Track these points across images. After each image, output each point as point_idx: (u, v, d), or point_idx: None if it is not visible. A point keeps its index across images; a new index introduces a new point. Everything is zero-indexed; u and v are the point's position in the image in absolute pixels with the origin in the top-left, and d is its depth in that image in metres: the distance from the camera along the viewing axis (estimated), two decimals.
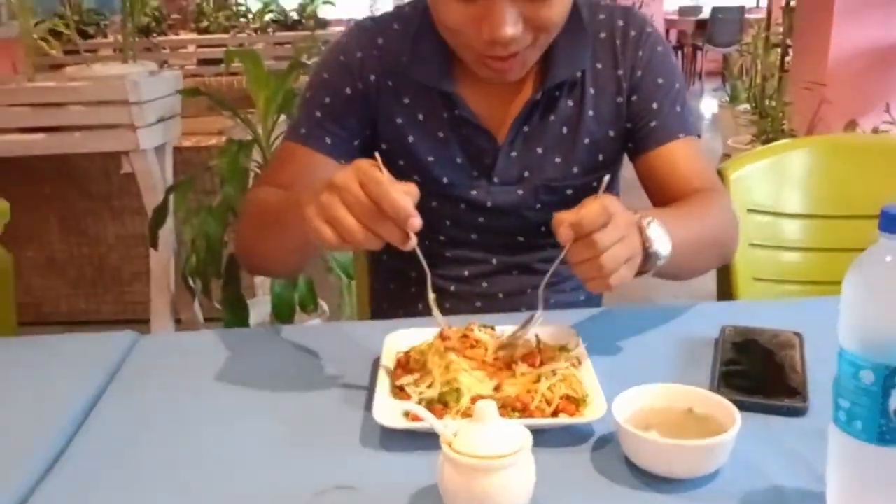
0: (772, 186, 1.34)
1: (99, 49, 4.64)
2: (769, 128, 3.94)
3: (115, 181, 2.97)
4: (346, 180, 0.77)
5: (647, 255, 0.86)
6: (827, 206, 1.35)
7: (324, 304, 2.64)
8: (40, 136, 2.39)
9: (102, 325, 3.11)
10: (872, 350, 0.61)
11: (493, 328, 0.92)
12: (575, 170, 1.14)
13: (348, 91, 1.13)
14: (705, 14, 9.95)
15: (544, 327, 0.92)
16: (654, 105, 1.12)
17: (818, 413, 0.79)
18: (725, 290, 1.29)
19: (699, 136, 1.15)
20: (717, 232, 1.07)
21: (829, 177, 1.36)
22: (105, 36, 4.86)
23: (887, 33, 3.96)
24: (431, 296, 0.88)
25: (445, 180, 1.14)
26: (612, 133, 1.14)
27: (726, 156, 5.12)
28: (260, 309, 2.63)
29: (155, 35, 4.82)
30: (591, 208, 0.78)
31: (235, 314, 2.14)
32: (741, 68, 5.60)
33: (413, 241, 0.77)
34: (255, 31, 5.14)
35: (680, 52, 10.21)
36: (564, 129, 1.13)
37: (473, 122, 1.12)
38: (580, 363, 0.85)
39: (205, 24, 5.16)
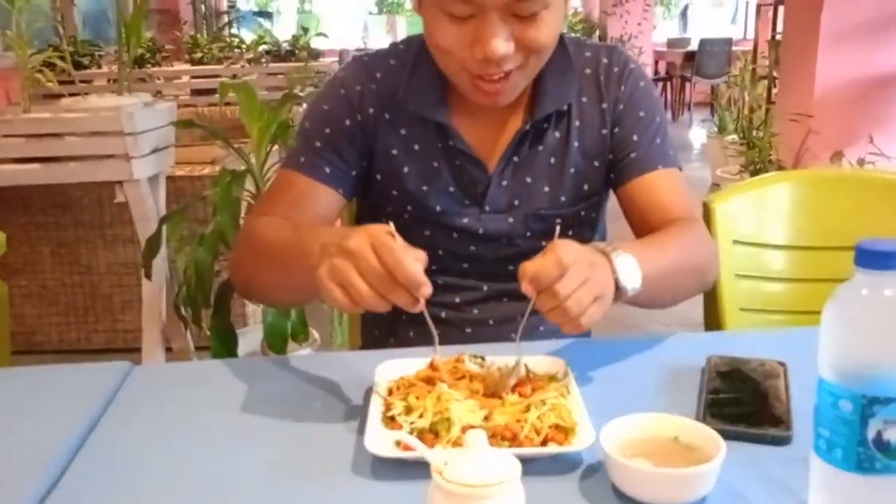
0: (757, 218, 1.36)
1: (94, 80, 4.68)
2: (757, 158, 4.00)
3: (108, 210, 2.99)
4: (360, 247, 0.79)
5: (618, 287, 0.89)
6: (810, 238, 1.37)
7: (315, 333, 2.65)
8: (35, 166, 2.40)
9: (93, 353, 3.11)
10: (850, 380, 0.63)
11: (483, 358, 0.93)
12: (563, 199, 1.18)
13: (348, 123, 1.16)
14: (693, 46, 10.08)
15: (533, 357, 0.94)
16: (635, 137, 1.16)
17: (802, 441, 0.80)
18: (712, 320, 1.31)
19: (679, 168, 1.19)
20: (692, 260, 1.08)
21: (813, 209, 1.38)
22: (99, 66, 4.90)
23: (871, 65, 4.03)
24: (438, 352, 0.90)
25: (438, 209, 1.18)
26: (596, 164, 1.18)
27: (715, 185, 5.17)
28: (250, 338, 2.63)
29: (149, 65, 4.87)
30: (545, 262, 0.81)
31: (223, 344, 2.14)
32: (729, 100, 5.68)
33: (422, 305, 0.80)
34: (249, 61, 5.19)
35: (669, 84, 10.33)
36: (552, 160, 1.17)
37: (466, 152, 1.16)
38: (569, 392, 0.87)
39: (199, 55, 5.21)
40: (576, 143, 1.17)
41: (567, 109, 1.16)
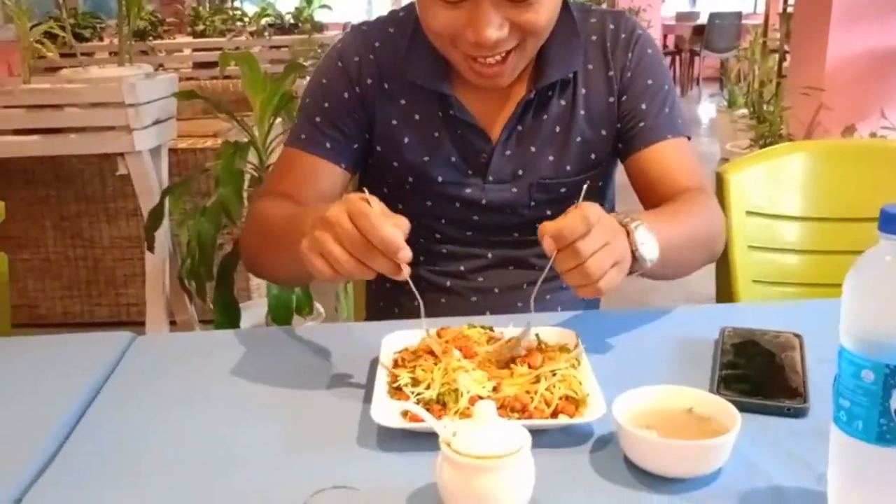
0: (770, 190, 1.34)
1: (95, 52, 4.64)
2: (767, 132, 3.95)
3: (110, 183, 2.97)
4: (336, 215, 0.78)
5: (635, 259, 0.88)
6: (824, 209, 1.35)
7: (320, 307, 2.64)
8: (36, 137, 2.38)
9: (97, 327, 3.10)
10: (873, 349, 0.61)
11: (491, 329, 0.91)
12: (568, 168, 1.16)
13: (346, 95, 1.14)
14: (703, 20, 9.98)
15: (543, 328, 0.92)
16: (643, 106, 1.14)
17: (818, 414, 0.79)
18: (724, 292, 1.29)
19: (689, 137, 1.16)
20: (703, 231, 1.08)
21: (827, 180, 1.36)
22: (101, 39, 4.87)
23: (884, 39, 3.98)
24: (424, 326, 0.88)
25: (440, 179, 1.15)
26: (603, 132, 1.16)
27: (724, 160, 5.12)
28: (255, 312, 2.62)
29: (151, 38, 4.83)
30: (571, 218, 0.79)
31: (227, 316, 2.13)
32: (739, 73, 5.62)
33: (405, 273, 0.79)
34: (252, 34, 5.14)
35: (677, 58, 10.23)
36: (557, 128, 1.15)
37: (468, 121, 1.13)
38: (579, 364, 0.85)
39: (201, 27, 5.17)
40: (582, 112, 1.14)
41: (572, 77, 1.14)
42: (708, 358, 0.92)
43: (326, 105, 1.15)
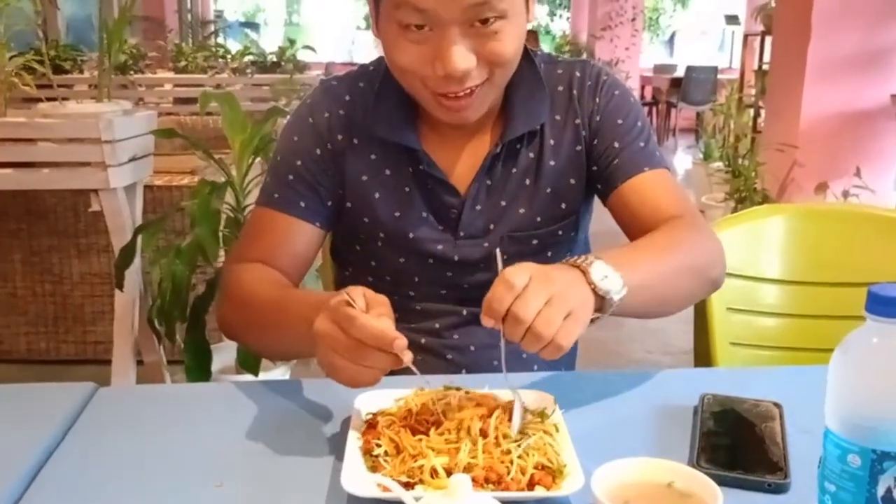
0: (749, 251, 1.34)
1: (74, 84, 4.61)
2: (742, 187, 4.00)
3: (83, 218, 2.92)
4: (325, 329, 0.79)
5: (601, 298, 0.84)
6: (804, 273, 1.35)
7: None
8: (9, 171, 2.34)
9: (63, 364, 3.03)
10: (860, 433, 0.59)
11: (466, 391, 0.89)
12: (538, 220, 1.15)
13: (318, 152, 1.13)
14: (680, 72, 10.19)
15: (520, 391, 0.89)
16: (616, 144, 1.13)
17: (799, 489, 0.77)
18: (703, 354, 1.28)
19: (668, 168, 1.15)
20: (689, 259, 1.02)
21: (807, 244, 1.36)
22: (81, 71, 4.84)
23: (859, 99, 4.06)
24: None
25: (412, 235, 1.14)
26: (573, 181, 1.15)
27: (700, 212, 5.17)
28: (225, 354, 2.57)
29: (132, 72, 4.81)
30: (494, 288, 0.78)
31: (197, 359, 2.09)
32: (714, 127, 5.71)
33: (408, 358, 0.78)
34: (234, 71, 5.14)
35: (654, 109, 10.41)
36: (526, 181, 1.14)
37: (438, 176, 1.12)
38: (557, 431, 0.83)
39: (183, 63, 5.16)
40: (551, 162, 1.14)
41: (540, 129, 1.13)
42: (687, 424, 0.90)
43: (299, 163, 1.13)
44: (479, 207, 1.14)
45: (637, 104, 1.19)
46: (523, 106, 1.11)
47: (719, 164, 5.06)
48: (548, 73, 1.15)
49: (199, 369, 2.11)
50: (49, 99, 2.49)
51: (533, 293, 0.77)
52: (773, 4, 4.86)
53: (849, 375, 0.60)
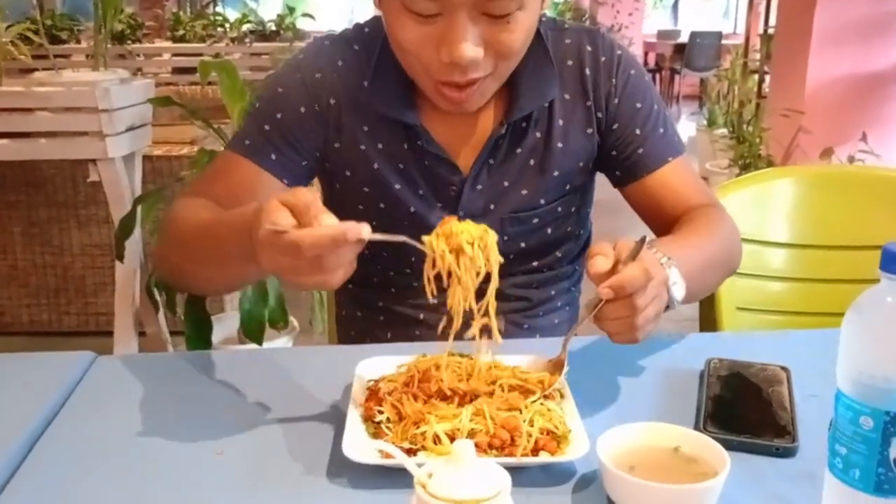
0: (756, 215, 1.32)
1: (72, 55, 4.57)
2: (746, 153, 3.96)
3: (82, 189, 2.90)
4: (276, 263, 0.72)
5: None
6: (811, 237, 1.33)
7: (294, 321, 2.58)
8: (6, 141, 2.31)
9: (65, 335, 3.03)
10: (872, 394, 0.58)
11: (470, 356, 0.88)
12: (542, 200, 1.11)
13: (303, 110, 1.07)
14: (684, 38, 10.08)
15: (524, 356, 0.89)
16: (637, 131, 1.09)
17: (807, 453, 0.77)
18: (708, 319, 1.26)
19: (684, 152, 1.13)
20: (723, 252, 1.05)
21: (814, 207, 1.34)
22: (78, 41, 4.79)
23: (865, 63, 4.00)
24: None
25: (412, 209, 1.09)
26: (581, 164, 1.11)
27: (703, 178, 5.14)
28: (227, 324, 2.56)
29: (130, 42, 4.76)
30: (635, 272, 0.78)
31: (198, 330, 2.07)
32: (718, 93, 5.65)
33: (367, 232, 0.72)
34: (232, 40, 5.09)
35: (658, 75, 10.32)
36: (531, 161, 1.09)
37: (438, 154, 1.07)
38: (562, 396, 0.82)
39: (181, 32, 5.10)
40: (559, 144, 1.08)
41: (548, 107, 1.08)
42: (693, 390, 0.89)
43: (279, 116, 1.06)
44: (479, 187, 1.09)
45: (650, 82, 1.14)
46: (530, 83, 1.05)
47: (723, 131, 5.01)
48: (555, 44, 1.08)
49: (199, 339, 2.09)
50: (45, 69, 2.46)
51: (652, 288, 0.80)
52: None
53: (862, 336, 0.58)
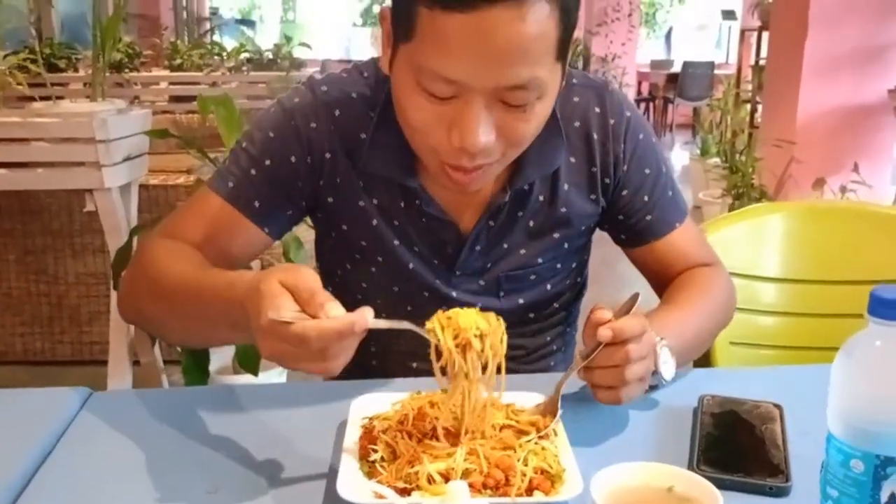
0: (749, 250, 1.33)
1: (69, 83, 4.59)
2: (739, 183, 4.00)
3: (77, 218, 2.90)
4: (280, 350, 0.71)
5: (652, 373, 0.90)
6: (804, 271, 1.34)
7: None
8: (3, 171, 2.32)
9: (59, 364, 3.01)
10: (863, 438, 0.58)
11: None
12: (540, 260, 1.10)
13: (293, 160, 1.02)
14: (677, 68, 10.17)
15: (519, 394, 0.89)
16: (646, 198, 1.08)
17: (801, 493, 0.76)
18: (701, 355, 1.26)
19: (688, 213, 1.15)
20: (715, 318, 1.09)
21: (806, 242, 1.36)
22: (76, 70, 4.82)
23: (855, 94, 4.06)
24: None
25: (410, 265, 1.07)
26: (583, 227, 1.11)
27: (697, 208, 5.17)
28: (222, 353, 2.55)
29: (127, 70, 4.79)
30: (633, 320, 0.82)
31: (194, 359, 2.07)
32: (711, 123, 5.70)
33: (370, 316, 0.72)
34: (229, 69, 5.12)
35: (651, 104, 10.40)
36: (532, 223, 1.07)
37: (437, 215, 1.04)
38: (555, 434, 0.82)
39: (178, 61, 5.14)
40: (563, 209, 1.07)
41: (553, 172, 1.05)
42: (687, 426, 0.89)
43: (268, 163, 1.01)
44: (478, 248, 1.07)
45: (658, 144, 1.12)
46: (537, 151, 0.99)
47: (716, 160, 5.05)
48: (563, 102, 1.02)
49: (196, 369, 2.09)
50: (43, 98, 2.48)
51: (644, 344, 0.84)
52: (770, 0, 4.85)
53: (851, 379, 0.59)
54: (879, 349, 0.58)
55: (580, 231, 1.11)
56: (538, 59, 0.84)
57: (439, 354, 0.79)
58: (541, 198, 1.06)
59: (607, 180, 1.07)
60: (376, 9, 15.86)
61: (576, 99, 1.06)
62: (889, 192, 4.36)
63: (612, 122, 1.06)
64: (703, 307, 1.06)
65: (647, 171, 1.08)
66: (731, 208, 4.02)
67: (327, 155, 1.03)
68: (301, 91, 1.05)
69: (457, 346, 0.78)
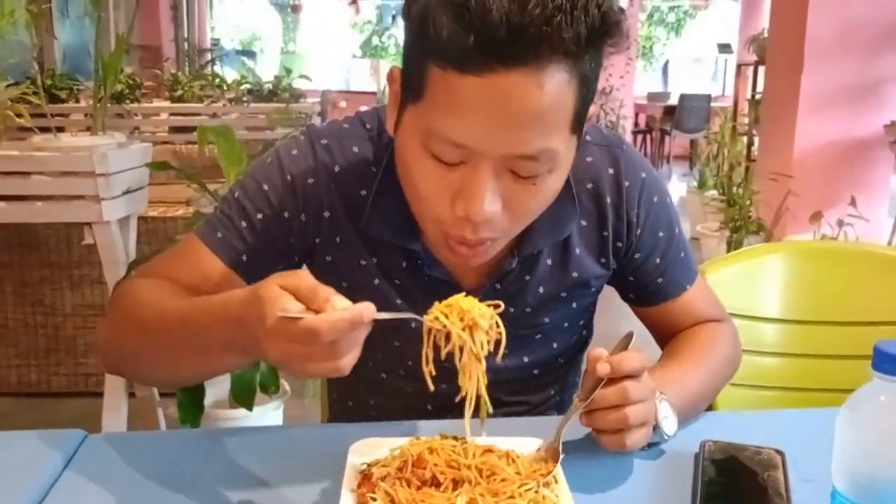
0: (748, 290, 1.32)
1: (70, 114, 4.61)
2: (737, 216, 4.00)
3: (76, 250, 2.90)
4: (287, 351, 0.70)
5: (654, 429, 0.89)
6: (804, 312, 1.34)
7: (286, 384, 2.56)
8: (2, 204, 2.32)
9: (54, 396, 2.99)
10: (869, 494, 0.58)
11: (464, 439, 0.87)
12: (547, 320, 1.07)
13: (287, 215, 0.98)
14: (673, 100, 10.24)
15: (516, 440, 0.88)
16: (658, 261, 1.06)
17: None
18: None
19: (699, 273, 1.13)
20: (722, 373, 1.08)
21: (805, 282, 1.35)
22: (77, 101, 4.84)
23: (852, 127, 4.08)
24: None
25: (413, 325, 0.98)
26: (593, 289, 1.08)
27: (694, 240, 5.17)
28: (218, 387, 2.54)
29: (128, 101, 4.81)
30: (629, 354, 0.81)
31: (190, 395, 2.06)
32: (708, 155, 5.73)
33: (372, 311, 0.71)
34: (230, 100, 5.15)
35: (648, 136, 10.46)
36: (541, 290, 1.04)
37: (441, 277, 1.00)
38: (556, 482, 0.81)
39: (179, 92, 5.17)
40: (574, 273, 1.03)
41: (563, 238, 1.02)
42: (688, 472, 0.88)
43: (260, 217, 0.97)
44: None
45: (672, 204, 1.08)
46: (548, 218, 0.94)
47: (714, 193, 5.06)
48: (576, 162, 0.93)
49: (191, 404, 2.08)
50: (43, 129, 2.48)
51: (644, 385, 0.83)
52: (766, 35, 4.89)
53: (856, 435, 0.59)
54: (884, 404, 0.58)
55: (589, 292, 1.09)
56: (553, 130, 0.80)
57: (436, 350, 0.79)
58: (549, 262, 1.03)
59: (619, 244, 1.04)
60: (375, 40, 16.02)
61: (589, 159, 1.02)
62: (886, 226, 4.36)
63: (626, 184, 1.02)
64: (705, 364, 1.04)
65: (661, 234, 1.05)
66: (729, 241, 4.02)
67: (326, 213, 0.99)
68: (300, 143, 1.01)
69: (464, 328, 0.77)
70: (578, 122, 0.84)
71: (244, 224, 0.98)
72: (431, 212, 0.88)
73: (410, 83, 0.84)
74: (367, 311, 0.70)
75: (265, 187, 0.98)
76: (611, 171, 1.02)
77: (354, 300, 0.99)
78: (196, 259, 0.98)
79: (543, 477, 0.80)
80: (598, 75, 0.83)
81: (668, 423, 0.90)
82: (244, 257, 0.98)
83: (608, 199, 1.02)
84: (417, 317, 0.79)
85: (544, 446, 0.87)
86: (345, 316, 0.68)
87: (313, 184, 0.98)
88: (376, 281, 1.02)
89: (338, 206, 0.99)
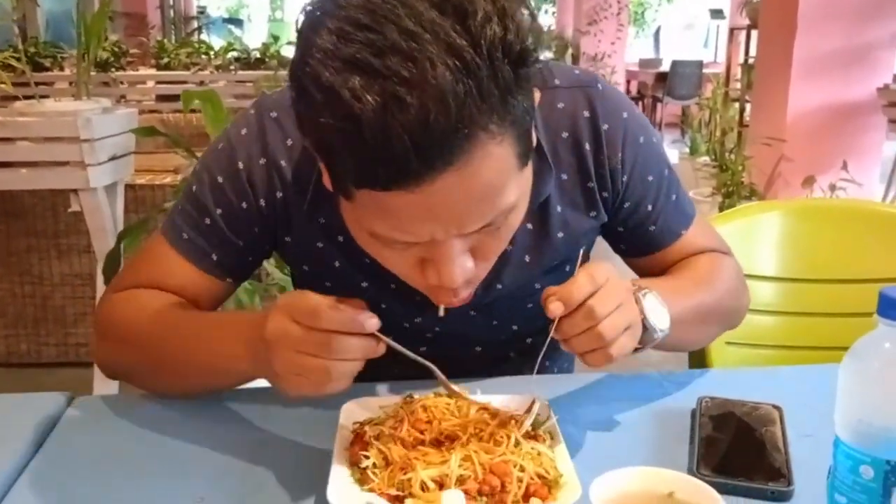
0: (743, 249, 1.30)
1: (55, 82, 4.54)
2: (729, 181, 4.00)
3: (62, 219, 2.86)
4: (284, 329, 0.71)
5: (644, 329, 0.81)
6: (799, 270, 1.33)
7: None
8: None
9: (44, 367, 2.97)
10: (872, 443, 0.57)
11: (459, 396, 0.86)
12: (536, 286, 0.97)
13: (244, 206, 0.92)
14: (665, 67, 10.20)
15: (512, 397, 0.86)
16: (650, 207, 0.97)
17: (803, 497, 0.75)
18: (697, 354, 1.25)
19: (696, 214, 1.04)
20: (723, 300, 0.99)
21: (800, 240, 1.34)
22: (61, 69, 4.77)
23: (845, 92, 4.06)
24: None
25: (384, 306, 0.91)
26: (584, 248, 0.97)
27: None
28: None
29: (113, 69, 4.74)
30: (579, 278, 0.73)
31: None
32: (700, 121, 5.71)
33: (382, 347, 0.73)
34: (217, 68, 5.08)
35: (640, 103, 10.42)
36: (527, 258, 0.96)
37: None
38: (552, 439, 0.80)
39: (165, 60, 5.10)
40: (560, 234, 0.95)
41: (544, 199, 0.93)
42: (685, 429, 0.87)
43: (219, 212, 0.92)
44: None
45: (658, 144, 0.99)
46: None
47: (706, 159, 5.05)
48: (546, 112, 0.89)
49: None
50: (27, 97, 2.44)
51: (609, 293, 0.74)
52: None
53: (860, 382, 0.57)
54: (888, 351, 0.56)
55: (576, 251, 0.96)
56: (501, 192, 0.71)
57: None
58: (529, 226, 0.93)
59: (605, 194, 0.95)
60: None
61: (560, 105, 0.91)
62: (878, 190, 4.37)
63: (605, 127, 0.91)
64: (702, 282, 0.96)
65: (650, 177, 0.96)
66: (721, 206, 4.02)
67: (278, 194, 0.92)
68: (249, 120, 0.93)
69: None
70: (524, 156, 0.74)
71: (207, 221, 0.93)
72: (400, 275, 0.81)
73: (334, 183, 0.73)
74: (371, 320, 0.71)
75: (219, 179, 0.92)
76: (586, 114, 0.91)
77: (321, 283, 0.97)
78: (167, 266, 0.94)
79: (517, 422, 0.78)
80: (531, 92, 0.71)
81: (658, 316, 0.81)
82: (214, 257, 0.94)
83: (587, 147, 0.92)
84: (430, 364, 0.79)
85: (519, 398, 0.85)
86: (349, 309, 0.70)
87: (265, 164, 0.91)
88: (337, 263, 0.95)
89: (290, 184, 0.91)
